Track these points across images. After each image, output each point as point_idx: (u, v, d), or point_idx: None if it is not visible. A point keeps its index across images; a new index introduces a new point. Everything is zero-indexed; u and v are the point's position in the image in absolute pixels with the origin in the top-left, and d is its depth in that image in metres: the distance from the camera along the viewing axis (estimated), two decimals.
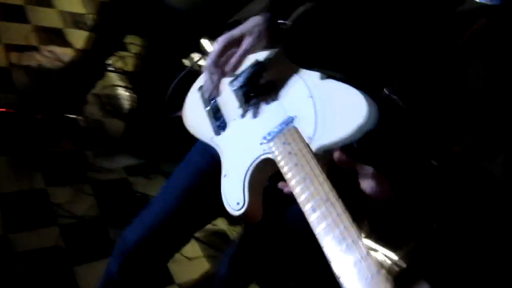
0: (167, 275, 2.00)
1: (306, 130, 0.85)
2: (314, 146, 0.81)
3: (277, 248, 1.42)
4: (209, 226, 2.24)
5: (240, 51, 0.95)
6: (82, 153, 2.16)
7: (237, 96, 1.05)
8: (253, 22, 0.97)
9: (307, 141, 0.84)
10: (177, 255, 2.07)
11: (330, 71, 0.92)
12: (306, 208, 0.72)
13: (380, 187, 0.83)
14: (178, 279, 2.00)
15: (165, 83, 2.17)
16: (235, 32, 0.96)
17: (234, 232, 2.35)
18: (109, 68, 2.55)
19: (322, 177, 0.75)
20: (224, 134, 1.03)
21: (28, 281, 1.67)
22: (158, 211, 1.23)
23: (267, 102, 0.99)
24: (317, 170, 0.77)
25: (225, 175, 0.94)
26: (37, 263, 1.74)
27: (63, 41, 2.63)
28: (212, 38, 2.38)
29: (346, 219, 0.68)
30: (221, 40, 0.96)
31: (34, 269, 1.71)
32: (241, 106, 1.03)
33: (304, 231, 1.25)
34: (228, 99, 1.07)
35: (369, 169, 0.84)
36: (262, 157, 0.89)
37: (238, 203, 0.87)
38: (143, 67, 2.83)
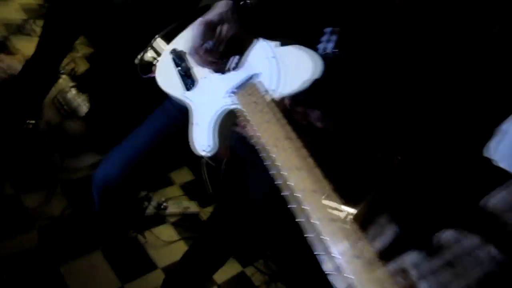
0: (149, 262, 2.09)
1: (270, 83, 1.05)
2: (276, 95, 1.02)
3: (245, 221, 1.54)
4: (181, 210, 2.35)
5: (221, 38, 1.12)
6: (48, 156, 2.20)
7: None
8: (224, 7, 1.13)
9: (270, 92, 1.03)
10: (155, 240, 2.19)
11: (287, 39, 1.09)
12: (270, 145, 0.89)
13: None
14: (160, 264, 2.10)
15: (116, 80, 2.23)
16: (210, 18, 1.12)
17: (206, 214, 2.47)
18: (61, 71, 2.56)
19: (283, 120, 0.93)
20: (194, 90, 1.21)
21: (17, 286, 1.73)
22: (132, 147, 1.41)
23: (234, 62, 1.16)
24: (278, 114, 0.95)
25: (196, 123, 1.14)
26: (23, 268, 1.79)
27: (11, 50, 2.62)
28: (165, 37, 2.46)
29: (305, 152, 0.86)
30: (199, 27, 1.10)
31: (21, 275, 1.76)
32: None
33: (261, 200, 1.40)
34: None
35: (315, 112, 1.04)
36: (228, 107, 1.09)
37: (208, 146, 1.09)
38: (93, 67, 2.87)
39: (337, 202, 2.21)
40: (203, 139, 1.11)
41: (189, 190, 2.52)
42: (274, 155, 0.87)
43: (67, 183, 2.16)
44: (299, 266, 2.30)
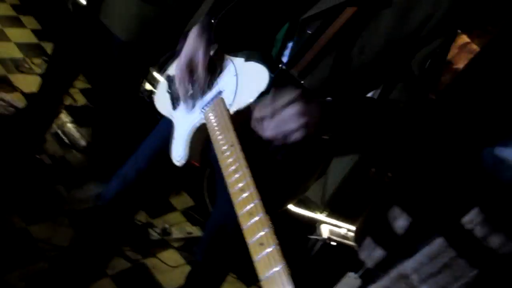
0: (156, 285, 2.15)
1: (228, 99, 1.17)
2: (231, 110, 1.14)
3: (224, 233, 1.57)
4: (185, 235, 2.42)
5: (200, 71, 1.26)
6: (53, 189, 2.26)
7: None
8: (193, 36, 1.26)
9: (228, 107, 1.16)
10: (161, 265, 2.24)
11: (251, 51, 1.21)
12: (222, 149, 1.04)
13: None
14: (168, 287, 2.16)
15: (117, 113, 2.31)
16: (185, 57, 1.26)
17: None
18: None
19: (231, 130, 1.06)
20: (178, 108, 1.37)
21: None
22: (135, 167, 1.52)
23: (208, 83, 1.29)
24: (230, 125, 1.09)
25: (174, 138, 1.32)
26: None
27: (10, 87, 2.70)
28: (159, 68, 2.58)
29: (244, 163, 0.97)
30: (180, 72, 1.27)
31: None
32: (188, 87, 1.32)
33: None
34: None
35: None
36: (199, 122, 1.23)
37: (179, 156, 1.26)
38: (90, 101, 2.96)
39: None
40: (177, 150, 1.28)
41: (191, 216, 2.59)
42: (222, 164, 1.01)
43: (74, 214, 2.22)
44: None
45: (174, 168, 1.60)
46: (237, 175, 0.97)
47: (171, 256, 2.32)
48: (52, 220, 2.14)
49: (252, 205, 0.89)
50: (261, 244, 0.81)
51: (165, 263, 2.26)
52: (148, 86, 2.55)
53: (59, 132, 2.59)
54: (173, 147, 1.31)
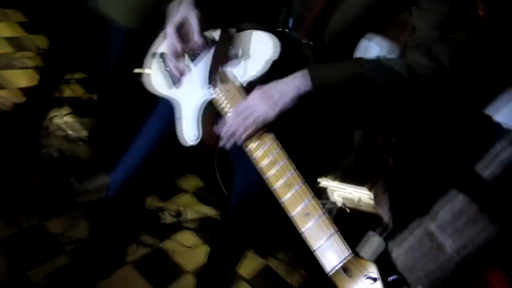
0: (177, 267, 2.17)
1: (238, 71, 1.16)
2: (244, 82, 1.13)
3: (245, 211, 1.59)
4: (199, 215, 2.44)
5: (194, 33, 1.23)
6: (64, 182, 2.25)
7: (188, 55, 1.32)
8: (183, 5, 1.24)
9: (239, 79, 1.15)
10: (179, 247, 2.26)
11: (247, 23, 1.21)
12: None
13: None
14: (188, 268, 2.18)
15: (121, 100, 2.27)
16: (177, 19, 1.22)
17: None
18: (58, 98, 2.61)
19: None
20: (180, 85, 1.33)
21: None
22: (139, 153, 1.51)
23: (208, 55, 1.26)
24: (245, 97, 1.09)
25: (184, 117, 1.26)
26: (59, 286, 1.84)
27: (6, 83, 2.65)
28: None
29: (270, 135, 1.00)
30: (171, 32, 1.22)
31: None
32: (191, 62, 1.30)
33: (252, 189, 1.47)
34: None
35: None
36: (209, 98, 1.21)
37: (194, 135, 1.21)
38: (89, 91, 2.92)
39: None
40: (189, 131, 1.23)
41: (202, 196, 2.60)
42: (248, 147, 1.02)
43: (88, 205, 2.22)
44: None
45: (180, 149, 1.61)
46: (264, 148, 0.98)
47: (187, 238, 2.34)
48: (67, 214, 2.14)
49: (289, 176, 0.90)
50: (307, 214, 0.82)
51: (183, 245, 2.28)
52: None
53: (62, 124, 2.56)
54: (183, 127, 1.26)
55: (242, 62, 1.16)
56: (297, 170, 0.89)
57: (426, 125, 1.56)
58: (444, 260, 1.49)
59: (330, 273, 0.75)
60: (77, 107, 2.74)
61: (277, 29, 1.17)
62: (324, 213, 0.79)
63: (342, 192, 2.33)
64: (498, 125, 1.38)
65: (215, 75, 1.20)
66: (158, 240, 2.23)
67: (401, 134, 1.95)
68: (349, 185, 2.33)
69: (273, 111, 0.99)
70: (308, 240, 0.79)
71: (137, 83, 2.42)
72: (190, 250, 2.27)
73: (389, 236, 1.65)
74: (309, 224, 0.81)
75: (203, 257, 2.26)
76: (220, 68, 1.19)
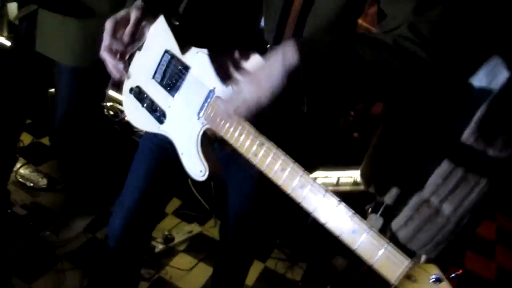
0: None
1: (227, 95, 1.06)
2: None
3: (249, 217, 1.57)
4: (187, 235, 2.39)
5: (130, 24, 1.11)
6: (40, 238, 2.12)
7: (163, 87, 1.23)
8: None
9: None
10: (177, 272, 2.21)
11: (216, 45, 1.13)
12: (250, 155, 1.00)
13: None
14: None
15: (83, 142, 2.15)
16: (119, 14, 1.12)
17: (208, 230, 2.51)
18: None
19: (252, 129, 1.00)
20: (166, 121, 1.22)
21: None
22: (132, 196, 1.42)
23: (187, 83, 1.17)
24: (244, 123, 1.01)
25: (182, 153, 1.17)
26: None
27: None
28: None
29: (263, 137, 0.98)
30: (109, 23, 1.10)
31: None
32: (169, 94, 1.21)
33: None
34: (158, 92, 1.24)
35: None
36: (203, 129, 1.12)
37: (201, 171, 1.12)
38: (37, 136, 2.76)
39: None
40: (194, 166, 1.14)
41: (183, 215, 2.54)
42: (255, 163, 0.98)
43: (71, 255, 2.11)
44: (305, 239, 2.44)
45: (175, 186, 1.54)
46: (255, 147, 0.99)
47: (182, 260, 2.29)
48: (52, 270, 2.02)
49: (280, 162, 0.93)
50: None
51: (179, 269, 2.23)
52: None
53: (19, 178, 2.42)
54: (185, 164, 1.16)
55: (229, 87, 1.07)
56: (287, 155, 0.93)
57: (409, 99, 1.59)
58: (444, 223, 1.53)
59: (395, 284, 0.77)
60: (30, 156, 2.59)
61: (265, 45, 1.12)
62: (371, 228, 0.81)
63: (322, 179, 2.36)
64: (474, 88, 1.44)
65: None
66: (154, 271, 2.16)
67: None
68: (334, 170, 2.36)
69: (264, 94, 0.94)
70: (362, 256, 0.81)
71: (103, 117, 2.33)
72: (188, 273, 2.23)
73: (385, 211, 1.68)
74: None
75: (202, 276, 2.23)
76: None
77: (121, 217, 1.45)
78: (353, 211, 0.83)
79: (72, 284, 1.97)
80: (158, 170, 1.40)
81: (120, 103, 2.51)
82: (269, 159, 0.96)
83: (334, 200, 0.87)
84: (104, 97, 2.23)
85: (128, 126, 2.38)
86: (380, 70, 0.97)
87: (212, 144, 1.17)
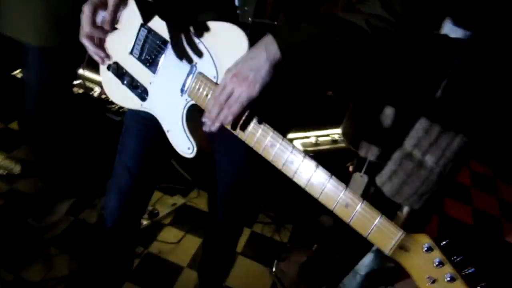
0: (172, 266, 2.13)
1: (209, 71, 1.05)
2: (219, 81, 1.02)
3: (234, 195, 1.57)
4: (171, 208, 2.38)
5: (109, 11, 1.01)
6: (24, 225, 2.08)
7: (142, 63, 1.19)
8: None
9: (213, 80, 1.05)
10: (165, 246, 2.21)
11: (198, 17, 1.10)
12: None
13: None
14: (183, 263, 2.15)
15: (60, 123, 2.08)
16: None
17: (192, 201, 2.51)
18: None
19: None
20: (149, 98, 1.20)
21: None
22: (124, 177, 1.40)
23: (167, 58, 1.14)
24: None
25: (168, 131, 1.16)
26: None
27: None
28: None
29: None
30: (87, 8, 1.02)
31: None
32: (149, 70, 1.18)
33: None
34: (137, 68, 1.21)
35: None
36: (187, 105, 1.10)
37: (189, 148, 1.12)
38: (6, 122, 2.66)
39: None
40: (182, 144, 1.13)
41: (166, 188, 2.52)
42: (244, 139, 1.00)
43: (57, 240, 2.08)
44: (289, 202, 2.47)
45: (165, 161, 1.52)
46: (242, 126, 1.00)
47: (169, 234, 2.29)
48: (39, 257, 1.99)
49: (269, 138, 0.97)
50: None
51: (167, 242, 2.23)
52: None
53: None
54: (173, 141, 1.15)
55: (211, 61, 1.05)
56: (266, 124, 0.97)
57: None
58: (427, 174, 1.57)
59: (389, 254, 0.80)
60: (0, 143, 2.50)
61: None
62: (363, 201, 0.83)
63: (301, 140, 2.37)
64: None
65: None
66: (143, 248, 2.16)
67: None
68: (312, 130, 2.37)
69: (254, 90, 0.95)
70: (356, 228, 0.84)
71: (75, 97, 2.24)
72: (176, 246, 2.23)
73: (369, 168, 1.70)
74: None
75: (191, 247, 2.24)
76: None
77: (116, 199, 1.44)
78: (345, 185, 0.85)
79: (60, 270, 1.95)
80: (147, 149, 1.38)
81: (91, 80, 2.44)
82: (257, 135, 0.97)
83: (324, 174, 0.90)
84: (76, 76, 2.15)
85: (101, 103, 2.31)
86: (357, 54, 1.01)
87: (198, 119, 1.14)
